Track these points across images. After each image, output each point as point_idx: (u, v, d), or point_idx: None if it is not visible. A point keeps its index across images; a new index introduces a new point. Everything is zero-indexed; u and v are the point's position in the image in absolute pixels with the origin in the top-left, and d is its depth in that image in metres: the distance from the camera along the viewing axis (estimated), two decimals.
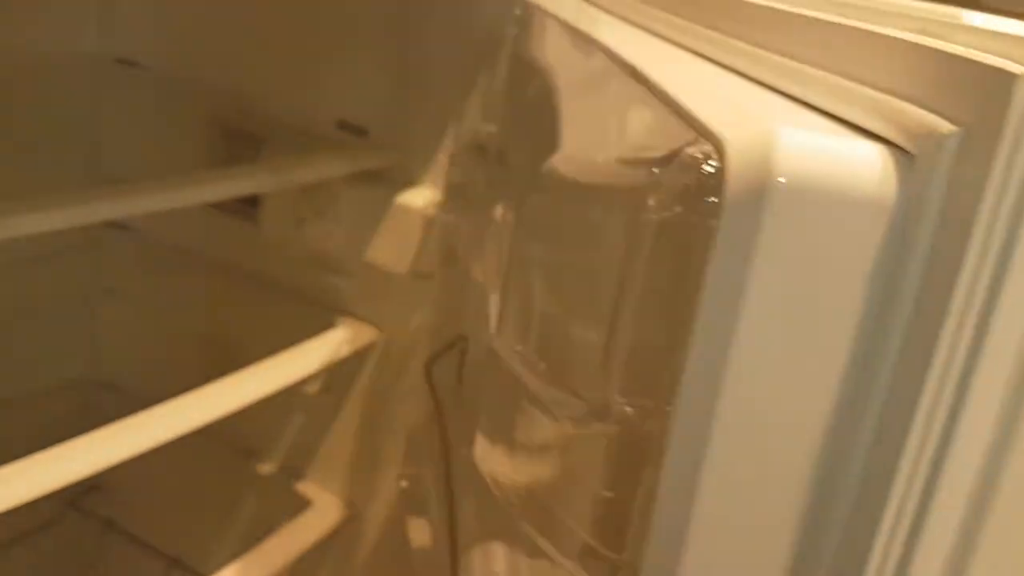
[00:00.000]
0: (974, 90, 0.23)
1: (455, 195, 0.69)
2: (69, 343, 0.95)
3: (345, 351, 0.79)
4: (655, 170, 0.29)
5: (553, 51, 0.50)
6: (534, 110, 0.48)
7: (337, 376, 0.84)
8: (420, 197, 0.75)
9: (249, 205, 0.80)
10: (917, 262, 0.23)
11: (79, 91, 0.87)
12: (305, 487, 0.89)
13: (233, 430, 0.91)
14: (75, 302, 0.94)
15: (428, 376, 0.67)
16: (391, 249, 0.76)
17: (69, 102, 0.87)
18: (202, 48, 0.84)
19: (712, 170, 0.25)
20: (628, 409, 0.31)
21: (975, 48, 0.23)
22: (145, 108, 0.87)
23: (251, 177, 0.62)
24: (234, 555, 0.76)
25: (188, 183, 0.58)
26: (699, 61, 0.35)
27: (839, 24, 0.29)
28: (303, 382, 0.84)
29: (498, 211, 0.54)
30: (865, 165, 0.24)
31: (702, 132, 0.26)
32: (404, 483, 0.75)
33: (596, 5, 0.50)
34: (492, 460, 0.42)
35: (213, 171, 0.60)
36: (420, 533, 0.70)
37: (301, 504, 0.87)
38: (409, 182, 0.76)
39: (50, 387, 0.94)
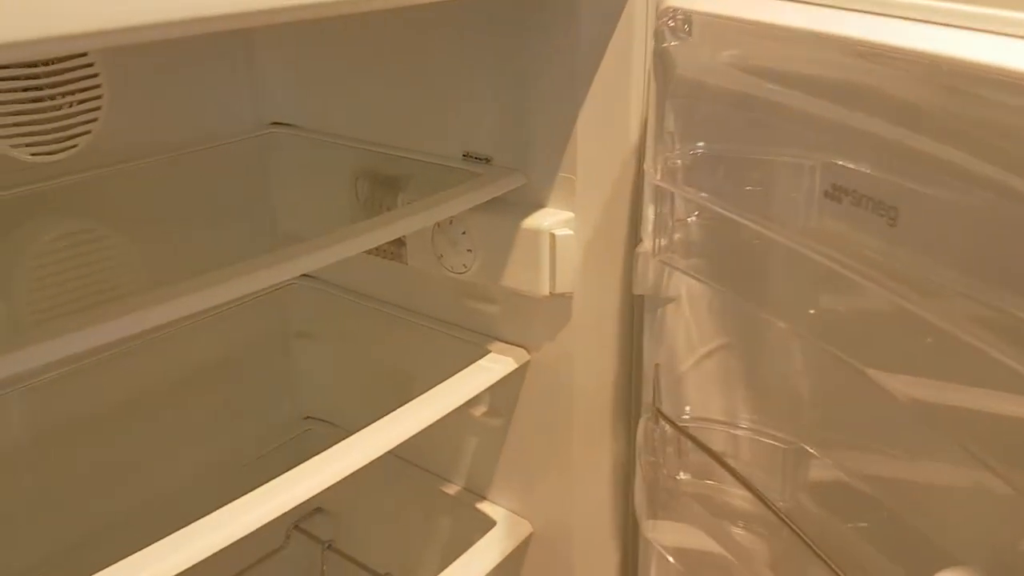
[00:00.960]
0: None
1: (660, 225, 0.68)
2: (274, 384, 1.05)
3: (500, 374, 0.80)
4: None
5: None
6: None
7: (499, 397, 0.86)
8: (546, 218, 0.75)
9: (397, 246, 0.84)
10: None
11: (247, 157, 0.95)
12: (488, 506, 0.91)
13: (422, 454, 0.97)
14: (274, 346, 1.03)
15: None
16: (525, 272, 0.76)
17: (241, 169, 0.96)
18: (341, 104, 0.89)
19: None
20: None
21: None
22: (303, 165, 0.94)
23: (395, 223, 0.66)
24: (435, 573, 0.81)
25: (351, 234, 0.63)
26: None
27: None
28: (471, 405, 0.87)
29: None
30: None
31: None
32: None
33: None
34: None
35: (366, 222, 0.65)
36: None
37: (487, 522, 0.90)
38: (534, 204, 0.76)
39: (263, 425, 1.04)
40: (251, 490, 0.60)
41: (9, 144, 0.69)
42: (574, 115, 0.71)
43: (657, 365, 0.71)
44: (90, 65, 0.73)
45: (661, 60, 0.63)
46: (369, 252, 0.87)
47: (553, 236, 0.74)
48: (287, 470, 0.62)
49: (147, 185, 0.85)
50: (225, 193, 0.95)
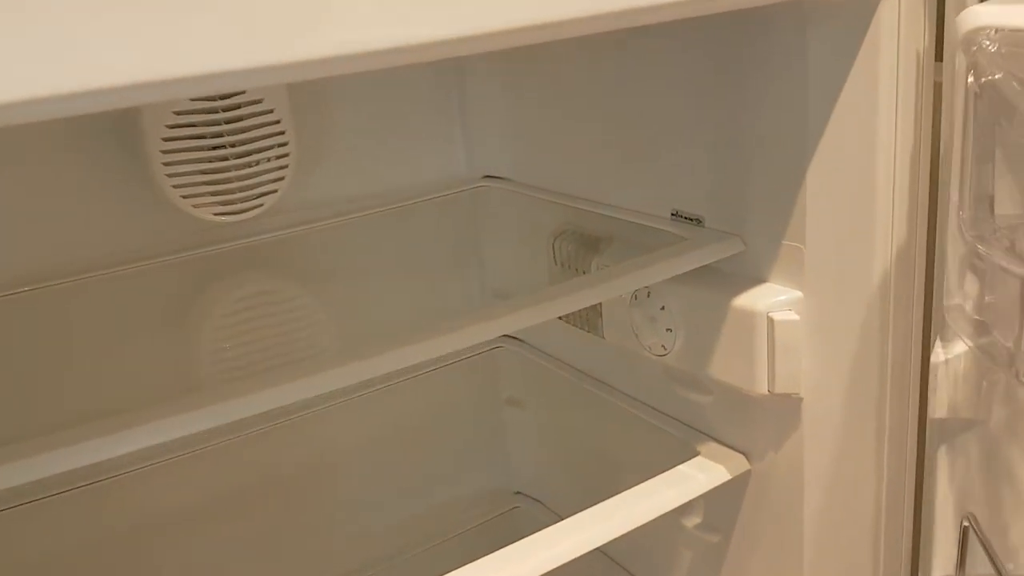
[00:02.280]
0: None
1: (981, 320, 0.50)
2: (481, 452, 0.97)
3: (709, 484, 0.65)
4: None
5: None
6: None
7: (715, 509, 0.70)
8: (765, 297, 0.59)
9: (594, 316, 0.73)
10: None
11: (460, 210, 0.89)
12: None
13: (629, 557, 0.84)
14: (483, 412, 0.96)
15: None
16: (736, 363, 0.61)
17: (453, 221, 0.90)
18: (548, 156, 0.80)
19: None
20: None
21: None
22: (510, 220, 0.86)
23: (579, 291, 0.55)
24: None
25: (534, 301, 0.55)
26: None
27: None
28: (681, 514, 0.73)
29: None
30: None
31: None
32: None
33: None
34: None
35: (552, 288, 0.55)
36: None
37: None
38: (751, 278, 0.61)
39: (470, 493, 0.97)
40: (456, 567, 0.55)
41: (192, 204, 0.68)
42: (803, 168, 0.56)
43: (970, 516, 0.51)
44: (277, 122, 0.70)
45: (986, 98, 0.45)
46: (566, 320, 0.76)
47: (772, 320, 0.58)
48: (493, 548, 0.57)
49: (349, 239, 0.82)
50: (435, 247, 0.90)
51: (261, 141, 0.70)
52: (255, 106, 0.69)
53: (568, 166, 0.77)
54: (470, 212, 0.89)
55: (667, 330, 0.65)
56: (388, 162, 0.84)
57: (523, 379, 0.92)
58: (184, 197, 0.68)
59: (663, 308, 0.64)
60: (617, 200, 0.72)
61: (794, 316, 0.58)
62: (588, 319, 0.74)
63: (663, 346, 0.65)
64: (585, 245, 0.73)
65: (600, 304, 0.71)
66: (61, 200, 0.69)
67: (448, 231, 0.90)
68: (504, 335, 0.93)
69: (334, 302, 0.82)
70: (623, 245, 0.70)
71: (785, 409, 0.61)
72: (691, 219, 0.65)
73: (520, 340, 0.91)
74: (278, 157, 0.71)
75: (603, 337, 0.72)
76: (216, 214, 0.70)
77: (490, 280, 0.91)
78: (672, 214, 0.67)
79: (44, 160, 0.67)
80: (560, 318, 0.77)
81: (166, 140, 0.66)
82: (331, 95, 0.79)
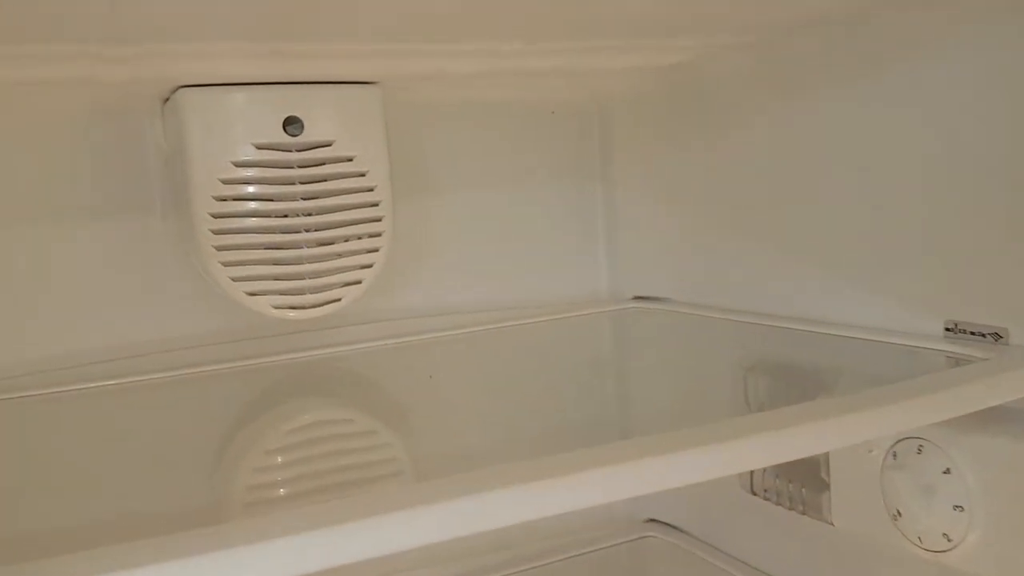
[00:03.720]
0: None
1: None
2: None
3: None
4: None
5: None
6: None
7: None
8: None
9: (814, 489, 0.48)
10: None
11: (602, 326, 0.67)
12: None
13: None
14: None
15: None
16: None
17: (595, 345, 0.68)
18: (721, 268, 0.59)
19: None
20: None
21: None
22: (674, 346, 0.64)
23: (787, 429, 0.32)
24: None
25: (696, 441, 0.31)
26: None
27: None
28: None
29: None
30: None
31: None
32: None
33: None
34: None
35: (728, 422, 0.32)
36: None
37: None
38: None
39: None
40: None
41: (245, 292, 0.49)
42: None
43: None
44: (370, 190, 0.52)
45: None
46: (762, 496, 0.52)
47: None
48: None
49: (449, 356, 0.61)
50: (573, 376, 0.67)
51: (347, 212, 0.52)
52: (342, 165, 0.51)
53: (752, 275, 0.55)
54: (616, 334, 0.67)
55: (955, 508, 0.39)
56: (511, 271, 0.65)
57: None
58: (235, 280, 0.50)
59: (947, 471, 0.40)
60: (838, 316, 0.49)
61: None
62: (800, 492, 0.49)
63: (946, 536, 0.40)
64: (791, 382, 0.49)
65: (825, 468, 0.47)
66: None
67: (590, 355, 0.68)
68: (653, 519, 0.68)
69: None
70: (853, 380, 0.46)
71: None
72: (981, 334, 0.41)
73: (676, 528, 0.66)
74: (370, 236, 0.52)
75: (829, 522, 0.46)
76: (275, 306, 0.51)
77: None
78: (948, 329, 0.43)
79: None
80: (754, 492, 0.53)
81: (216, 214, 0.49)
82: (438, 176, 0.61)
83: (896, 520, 0.42)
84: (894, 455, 0.42)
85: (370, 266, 0.53)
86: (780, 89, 0.52)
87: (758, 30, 0.51)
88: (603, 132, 0.68)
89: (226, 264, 0.50)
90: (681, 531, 0.65)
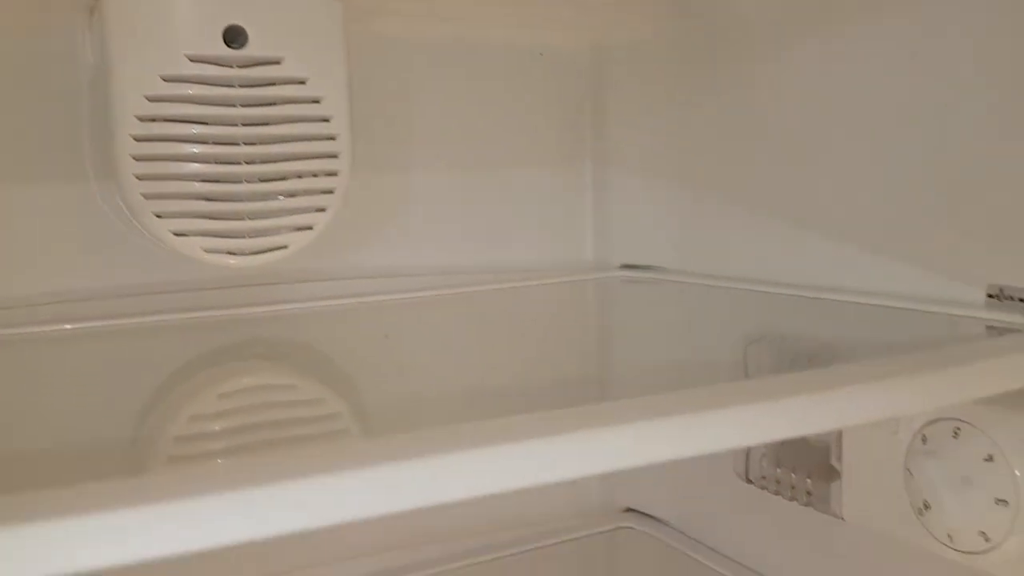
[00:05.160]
0: None
1: None
2: None
3: None
4: None
5: None
6: None
7: None
8: None
9: (819, 477, 0.42)
10: None
11: (585, 293, 0.61)
12: None
13: None
14: None
15: None
16: None
17: (577, 315, 0.62)
18: (720, 234, 0.52)
19: None
20: None
21: None
22: (669, 314, 0.57)
23: (792, 397, 0.25)
24: None
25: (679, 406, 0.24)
26: None
27: None
28: None
29: None
30: None
31: None
32: None
33: None
34: None
35: (715, 388, 0.26)
36: None
37: None
38: None
39: None
40: None
41: (174, 235, 0.42)
42: None
43: None
44: (326, 120, 0.45)
45: None
46: (759, 484, 0.46)
47: None
48: None
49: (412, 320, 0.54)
50: (553, 345, 0.61)
51: (296, 144, 0.45)
52: (293, 88, 0.44)
53: (755, 242, 0.49)
54: (599, 301, 0.61)
55: (997, 503, 0.33)
56: (485, 233, 0.58)
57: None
58: (160, 217, 0.43)
59: (989, 459, 0.34)
60: (856, 284, 0.43)
61: None
62: (804, 480, 0.43)
63: (983, 535, 0.34)
64: (799, 355, 0.43)
65: (837, 453, 0.40)
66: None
67: (571, 329, 0.62)
68: (631, 508, 0.61)
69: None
70: (875, 353, 0.40)
71: None
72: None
73: (656, 519, 0.59)
74: (324, 175, 0.45)
75: (839, 516, 0.40)
76: (207, 250, 0.43)
77: None
78: (990, 295, 0.37)
79: None
80: (749, 480, 0.47)
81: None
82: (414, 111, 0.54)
83: (922, 515, 0.36)
84: (923, 439, 0.36)
85: (323, 210, 0.46)
86: (791, 32, 0.46)
87: None
88: (596, 82, 0.61)
89: (149, 197, 0.42)
90: (661, 522, 0.59)
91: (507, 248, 0.59)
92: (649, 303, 0.55)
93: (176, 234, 0.43)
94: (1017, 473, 0.33)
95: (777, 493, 0.45)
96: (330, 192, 0.46)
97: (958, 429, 0.35)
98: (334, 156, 0.46)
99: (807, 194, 0.46)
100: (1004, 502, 0.33)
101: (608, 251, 0.62)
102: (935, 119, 0.39)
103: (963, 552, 0.35)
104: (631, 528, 0.60)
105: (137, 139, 0.42)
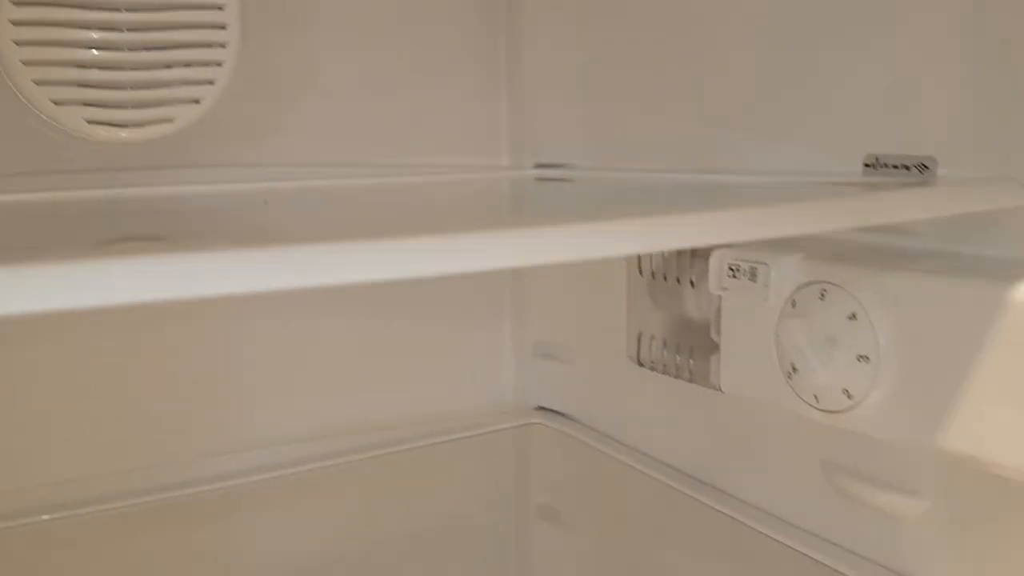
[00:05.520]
0: None
1: None
2: None
3: None
4: None
5: None
6: None
7: None
8: None
9: (697, 349, 0.42)
10: None
11: (496, 188, 0.60)
12: None
13: None
14: (503, 526, 0.64)
15: None
16: (1018, 422, 0.30)
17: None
18: (621, 142, 0.52)
19: None
20: None
21: None
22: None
23: (669, 230, 0.25)
24: None
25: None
26: None
27: None
28: None
29: None
30: None
31: None
32: None
33: None
34: None
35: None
36: None
37: None
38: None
39: None
40: None
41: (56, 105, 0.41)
42: None
43: None
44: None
45: None
46: (649, 366, 0.46)
47: None
48: None
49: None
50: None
51: (180, 13, 0.43)
52: None
53: (652, 135, 0.49)
54: (513, 191, 0.60)
55: (859, 359, 0.34)
56: (391, 129, 0.57)
57: (565, 475, 0.60)
58: (39, 84, 0.41)
59: (853, 316, 0.34)
60: (740, 163, 0.43)
61: None
62: (687, 359, 0.43)
63: (846, 392, 0.35)
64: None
65: (716, 326, 0.41)
66: None
67: (469, 209, 0.61)
68: (541, 406, 0.62)
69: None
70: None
71: None
72: (906, 167, 0.36)
73: (563, 415, 0.60)
74: (211, 46, 0.44)
75: (717, 388, 0.41)
76: (90, 120, 0.42)
77: (530, 332, 0.62)
78: (867, 164, 0.37)
79: None
80: (641, 363, 0.47)
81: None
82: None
83: (791, 378, 0.37)
84: (793, 303, 0.37)
85: (211, 82, 0.45)
86: None
87: None
88: None
89: (28, 64, 0.41)
90: (569, 418, 0.59)
91: (420, 149, 0.59)
92: (556, 189, 0.54)
93: (55, 103, 0.42)
94: (877, 327, 0.34)
95: (665, 372, 0.45)
96: (219, 64, 0.45)
97: (824, 291, 0.35)
98: (222, 27, 0.44)
99: (696, 87, 0.46)
100: (866, 358, 0.34)
101: (522, 153, 0.62)
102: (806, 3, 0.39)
103: (828, 412, 0.36)
104: (541, 424, 0.60)
105: (15, 3, 0.40)
